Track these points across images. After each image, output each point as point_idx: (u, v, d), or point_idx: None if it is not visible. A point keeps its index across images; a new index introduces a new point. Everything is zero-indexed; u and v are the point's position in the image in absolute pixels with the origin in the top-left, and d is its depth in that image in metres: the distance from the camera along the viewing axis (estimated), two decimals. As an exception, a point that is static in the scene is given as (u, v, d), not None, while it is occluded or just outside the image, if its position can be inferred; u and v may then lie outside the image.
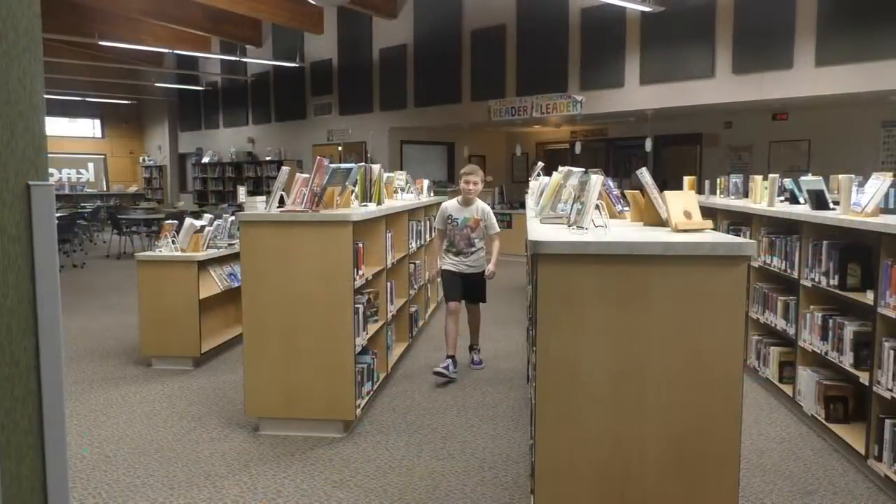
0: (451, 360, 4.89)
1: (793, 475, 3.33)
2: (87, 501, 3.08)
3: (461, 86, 12.22)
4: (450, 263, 5.12)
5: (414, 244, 5.90)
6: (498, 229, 5.18)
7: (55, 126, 19.41)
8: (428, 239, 6.68)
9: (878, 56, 7.69)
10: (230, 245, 5.68)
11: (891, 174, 3.43)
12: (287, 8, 13.22)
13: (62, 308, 1.19)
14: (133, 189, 20.76)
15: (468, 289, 5.12)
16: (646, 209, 2.90)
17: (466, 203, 5.09)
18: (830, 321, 3.72)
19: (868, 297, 3.32)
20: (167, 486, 3.22)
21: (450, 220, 5.08)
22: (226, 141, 18.12)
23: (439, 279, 5.40)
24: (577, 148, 12.74)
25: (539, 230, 2.74)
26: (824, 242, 3.75)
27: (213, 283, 5.53)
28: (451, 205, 5.15)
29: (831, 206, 4.03)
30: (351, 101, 14.25)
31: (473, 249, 5.08)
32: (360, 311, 4.00)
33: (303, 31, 14.31)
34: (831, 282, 3.69)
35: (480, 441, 3.78)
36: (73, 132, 20.29)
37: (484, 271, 5.11)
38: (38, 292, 1.15)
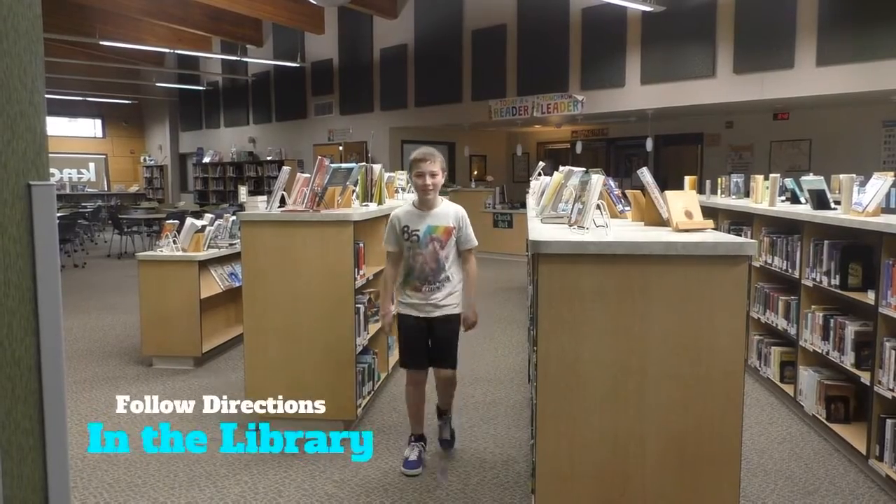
0: (418, 446, 3.44)
1: (794, 475, 3.33)
2: (89, 501, 3.08)
3: (462, 86, 12.21)
4: (408, 304, 3.34)
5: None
6: (475, 243, 3.36)
7: (56, 126, 19.42)
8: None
9: (880, 56, 7.69)
10: (231, 245, 5.68)
11: (892, 174, 3.43)
12: (287, 8, 13.22)
13: (63, 308, 1.19)
14: (134, 189, 20.77)
15: (434, 343, 3.35)
16: (647, 209, 2.90)
17: (426, 206, 3.30)
18: (831, 321, 3.72)
19: (869, 297, 3.31)
20: (168, 486, 3.22)
21: (407, 235, 3.28)
22: (227, 141, 18.11)
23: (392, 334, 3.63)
24: (578, 148, 12.74)
25: (540, 230, 2.74)
26: (825, 242, 3.75)
27: (214, 282, 5.54)
28: (404, 212, 3.33)
29: (832, 205, 4.02)
30: (351, 100, 14.25)
31: (444, 276, 3.29)
32: (361, 311, 4.01)
33: (303, 30, 14.31)
34: (832, 281, 3.69)
35: (481, 441, 3.77)
36: (73, 132, 20.29)
37: (459, 315, 3.35)
38: (39, 292, 1.15)
